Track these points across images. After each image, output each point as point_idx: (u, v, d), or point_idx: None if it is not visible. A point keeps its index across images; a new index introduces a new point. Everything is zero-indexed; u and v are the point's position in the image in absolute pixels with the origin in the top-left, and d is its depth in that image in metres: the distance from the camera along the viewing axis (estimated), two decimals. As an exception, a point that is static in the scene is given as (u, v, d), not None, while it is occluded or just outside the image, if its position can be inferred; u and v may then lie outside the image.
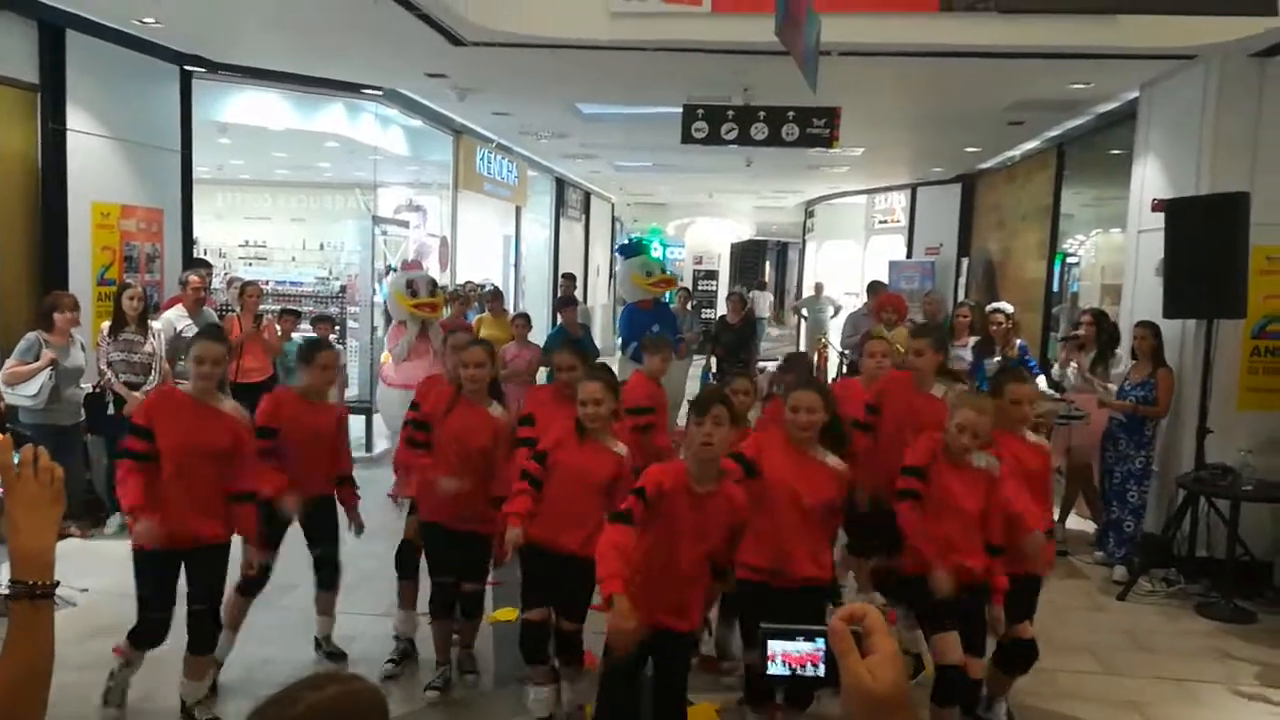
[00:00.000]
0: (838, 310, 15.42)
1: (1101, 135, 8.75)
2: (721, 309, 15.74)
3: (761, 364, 11.77)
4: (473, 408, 4.28)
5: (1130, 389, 6.21)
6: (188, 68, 7.51)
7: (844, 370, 11.68)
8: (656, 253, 12.23)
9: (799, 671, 1.20)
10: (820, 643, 1.20)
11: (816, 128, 7.13)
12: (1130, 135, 7.40)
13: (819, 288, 16.60)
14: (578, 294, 13.23)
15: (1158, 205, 6.48)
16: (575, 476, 3.78)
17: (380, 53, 7.24)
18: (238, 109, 8.44)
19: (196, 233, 11.67)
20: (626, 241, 10.35)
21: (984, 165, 12.34)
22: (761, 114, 7.22)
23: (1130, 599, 5.81)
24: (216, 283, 9.09)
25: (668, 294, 9.68)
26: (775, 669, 1.21)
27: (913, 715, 1.13)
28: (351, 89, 8.52)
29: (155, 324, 6.52)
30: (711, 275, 23.87)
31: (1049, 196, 10.15)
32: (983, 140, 10.52)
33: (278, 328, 7.77)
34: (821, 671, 1.20)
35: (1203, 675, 4.84)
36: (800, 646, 1.20)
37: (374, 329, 10.19)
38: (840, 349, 10.97)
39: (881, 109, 8.74)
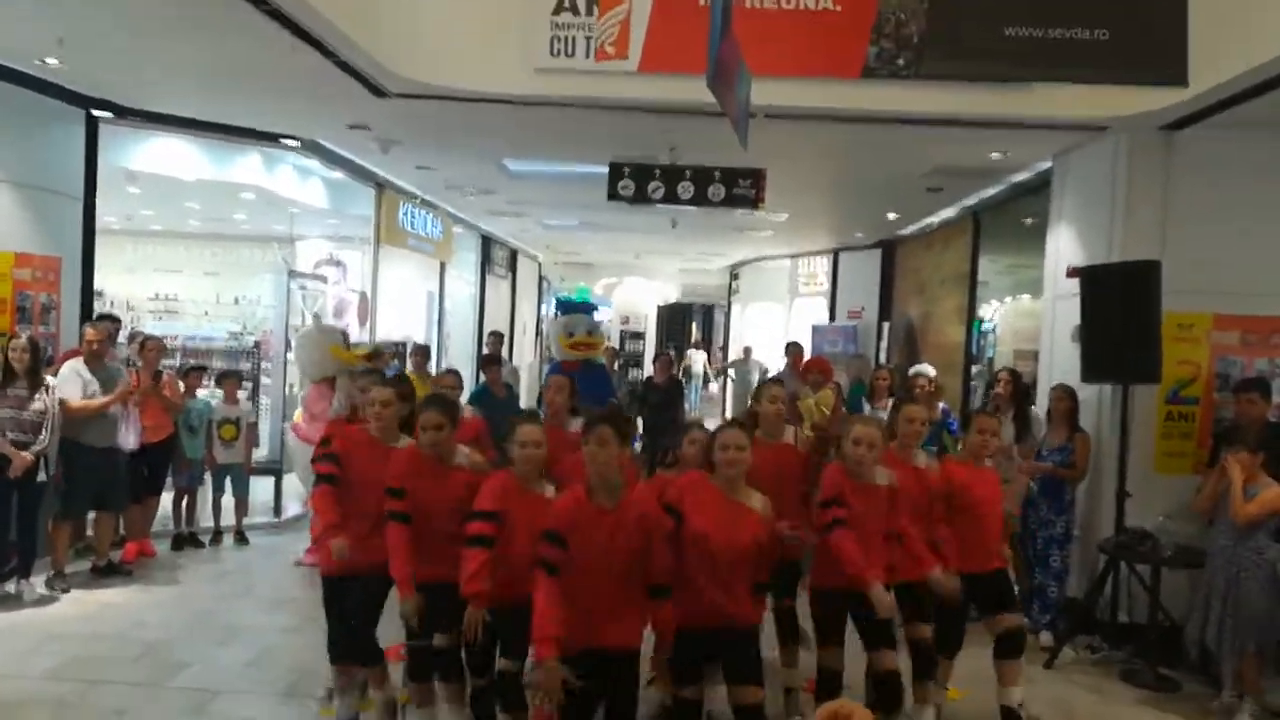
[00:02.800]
0: (765, 373, 15.48)
1: (1015, 204, 8.98)
2: (649, 369, 15.72)
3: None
4: (387, 450, 4.07)
5: (1048, 453, 6.25)
6: (94, 112, 7.20)
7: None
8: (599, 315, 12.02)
9: None
10: None
11: (742, 188, 7.16)
12: (1042, 204, 7.59)
13: (747, 351, 16.72)
14: (504, 352, 13.04)
15: (1072, 272, 6.62)
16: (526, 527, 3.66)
17: (299, 102, 7.06)
18: (148, 157, 8.12)
19: (103, 285, 11.23)
20: (563, 298, 10.20)
21: (903, 231, 12.60)
22: (688, 173, 7.22)
23: (1056, 666, 5.77)
24: (122, 338, 8.68)
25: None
26: None
27: None
28: (269, 139, 8.28)
29: (50, 379, 6.13)
30: (638, 336, 23.89)
31: (966, 263, 10.37)
32: (902, 207, 10.74)
33: (181, 385, 7.40)
34: None
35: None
36: None
37: (289, 387, 9.83)
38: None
39: (805, 174, 8.85)
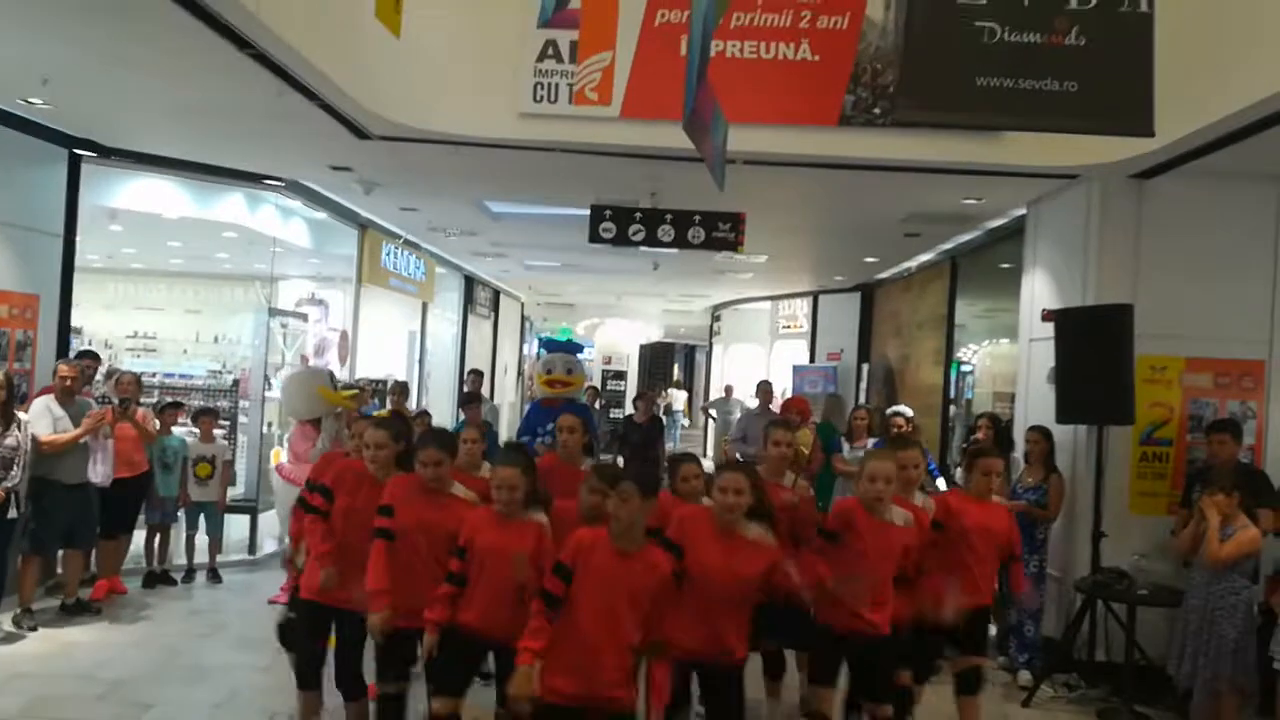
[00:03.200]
0: (745, 411, 15.54)
1: (992, 249, 9.13)
2: (629, 409, 15.75)
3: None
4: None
5: (1024, 492, 6.30)
6: (77, 151, 7.23)
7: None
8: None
9: None
10: None
11: (722, 231, 7.25)
12: (1018, 250, 7.72)
13: (729, 390, 16.79)
14: (485, 392, 13.02)
15: (1047, 315, 6.72)
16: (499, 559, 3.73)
17: (282, 144, 7.11)
18: (130, 195, 8.12)
19: (83, 322, 11.19)
20: (546, 338, 10.21)
21: (882, 275, 12.75)
22: (668, 216, 7.31)
23: (1035, 705, 5.77)
24: (99, 374, 8.63)
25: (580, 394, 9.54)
26: None
27: None
28: (252, 179, 8.32)
29: (23, 415, 6.09)
30: (620, 375, 23.96)
31: (944, 306, 10.50)
32: (881, 251, 10.88)
33: (156, 423, 7.34)
34: None
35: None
36: None
37: (267, 425, 9.78)
38: (729, 447, 10.97)
39: (784, 217, 8.97)
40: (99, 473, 6.56)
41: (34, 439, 6.07)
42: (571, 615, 3.40)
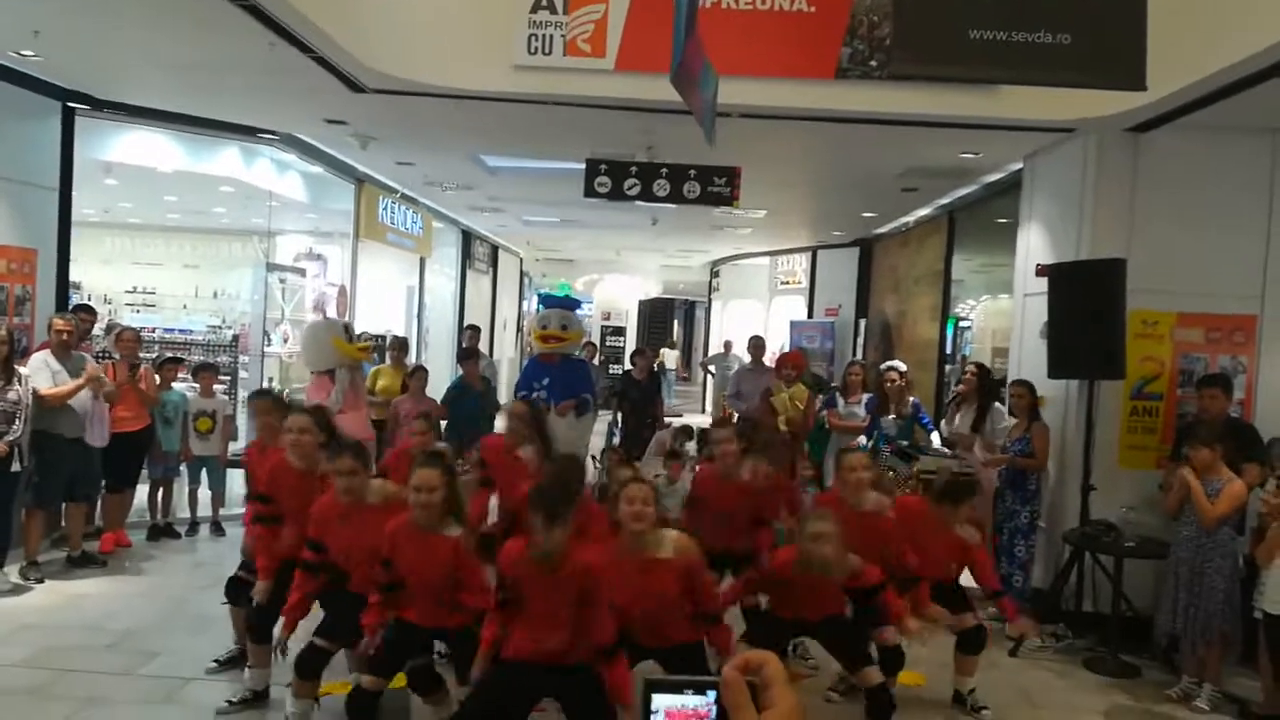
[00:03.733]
0: (740, 368, 15.59)
1: (989, 203, 9.11)
2: (629, 365, 15.80)
3: (669, 419, 11.78)
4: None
5: (1010, 444, 6.40)
6: (71, 104, 7.20)
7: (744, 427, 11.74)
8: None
9: None
10: (711, 696, 1.02)
11: (717, 186, 7.22)
12: (1015, 204, 7.71)
13: (728, 345, 16.83)
14: (484, 347, 13.05)
15: (1041, 270, 6.74)
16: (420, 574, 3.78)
17: (277, 97, 7.08)
18: (125, 149, 8.10)
19: (81, 277, 11.19)
20: (544, 294, 10.16)
21: (880, 230, 12.72)
22: (664, 171, 7.28)
23: (1021, 655, 5.88)
24: (99, 329, 8.68)
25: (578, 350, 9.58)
26: None
27: None
28: (247, 132, 8.28)
29: (23, 369, 6.14)
30: (619, 332, 23.98)
31: (941, 261, 10.49)
32: (878, 205, 10.85)
33: (156, 377, 7.40)
34: None
35: (1089, 731, 4.91)
36: (688, 701, 1.03)
37: (268, 380, 9.85)
38: (725, 404, 11.06)
39: (782, 172, 8.94)
40: (96, 435, 6.60)
41: (35, 393, 6.13)
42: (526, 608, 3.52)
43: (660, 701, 1.03)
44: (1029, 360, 7.00)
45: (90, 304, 8.52)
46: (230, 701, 4.43)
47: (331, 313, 11.18)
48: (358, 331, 10.62)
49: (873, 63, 5.97)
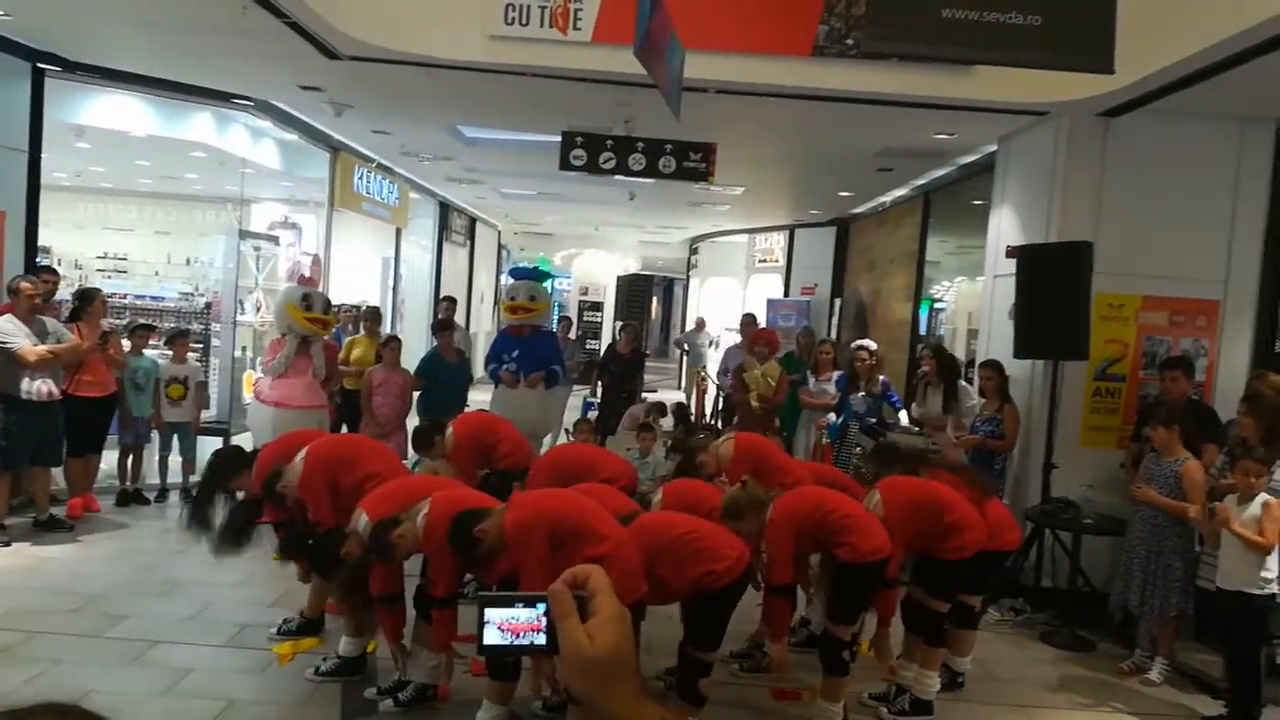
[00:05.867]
0: (715, 344, 15.69)
1: (964, 185, 9.18)
2: (607, 339, 15.83)
3: (644, 394, 11.85)
4: None
5: (980, 424, 6.49)
6: (41, 65, 7.09)
7: (720, 405, 11.85)
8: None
9: (518, 641, 1.08)
10: (541, 608, 1.07)
11: (693, 161, 7.24)
12: (990, 186, 7.78)
13: (700, 322, 16.89)
14: (460, 320, 13.03)
15: (1011, 251, 6.81)
16: None
17: (251, 61, 7.00)
18: (96, 112, 8.00)
19: (52, 242, 11.04)
20: (515, 266, 10.11)
21: (856, 210, 12.78)
22: (640, 145, 7.29)
23: (981, 628, 5.98)
24: (67, 294, 8.60)
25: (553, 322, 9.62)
26: (492, 638, 1.08)
27: (637, 683, 1.02)
28: (221, 97, 8.19)
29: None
30: (597, 307, 23.98)
31: (915, 242, 10.57)
32: (855, 185, 10.90)
33: (125, 343, 7.35)
34: (543, 640, 1.06)
35: (1046, 702, 5.02)
36: (519, 614, 1.08)
37: (242, 349, 9.80)
38: (715, 381, 11.15)
39: (759, 149, 8.96)
40: (42, 388, 6.34)
41: (14, 354, 6.06)
42: None
43: (493, 615, 1.08)
44: (997, 341, 7.09)
45: (51, 265, 8.42)
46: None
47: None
48: (335, 303, 10.61)
49: (849, 41, 5.98)
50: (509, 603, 1.09)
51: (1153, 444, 5.37)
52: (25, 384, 6.24)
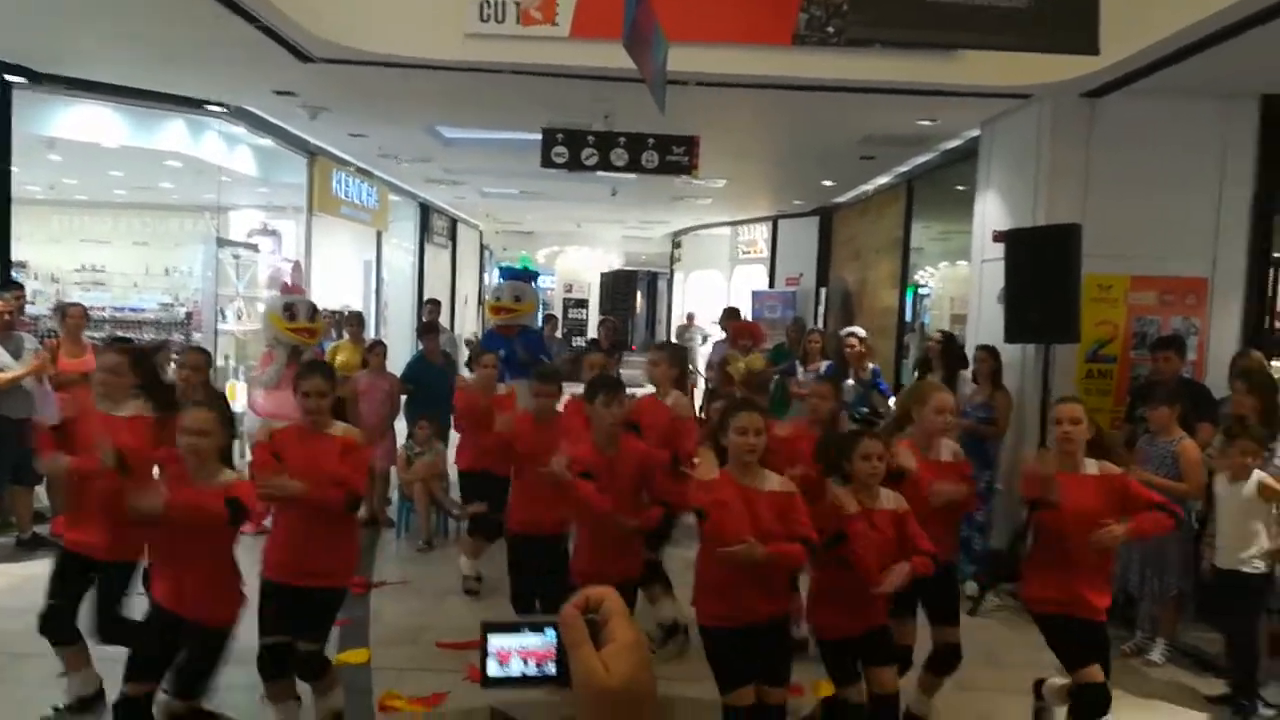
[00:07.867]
0: (706, 339, 15.64)
1: (947, 171, 9.14)
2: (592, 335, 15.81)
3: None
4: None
5: (971, 409, 6.45)
6: (8, 77, 6.95)
7: (707, 398, 11.80)
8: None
9: (527, 671, 0.98)
10: (551, 635, 0.98)
11: (676, 155, 7.17)
12: (973, 172, 7.75)
13: (690, 317, 16.87)
14: (445, 322, 12.93)
15: (998, 236, 6.79)
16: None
17: (223, 67, 6.89)
18: (67, 124, 7.86)
19: (27, 256, 10.89)
20: (503, 266, 10.06)
21: (840, 199, 12.74)
22: (621, 140, 7.22)
23: (980, 614, 5.98)
24: (45, 310, 8.46)
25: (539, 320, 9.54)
26: (495, 670, 0.99)
27: (657, 712, 0.94)
28: (193, 105, 8.07)
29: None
30: (582, 304, 23.90)
31: (900, 229, 10.54)
32: (838, 174, 10.86)
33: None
34: (554, 670, 0.98)
35: (1046, 688, 4.98)
36: (526, 641, 0.99)
37: (224, 358, 9.67)
38: (702, 375, 11.10)
39: (741, 140, 8.90)
40: (49, 413, 6.41)
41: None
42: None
43: (497, 643, 1.00)
44: (987, 326, 7.07)
45: (18, 280, 8.27)
46: None
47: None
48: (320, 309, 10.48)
49: (830, 29, 5.92)
50: (516, 629, 1.00)
51: (1148, 425, 5.33)
52: (37, 411, 6.19)
